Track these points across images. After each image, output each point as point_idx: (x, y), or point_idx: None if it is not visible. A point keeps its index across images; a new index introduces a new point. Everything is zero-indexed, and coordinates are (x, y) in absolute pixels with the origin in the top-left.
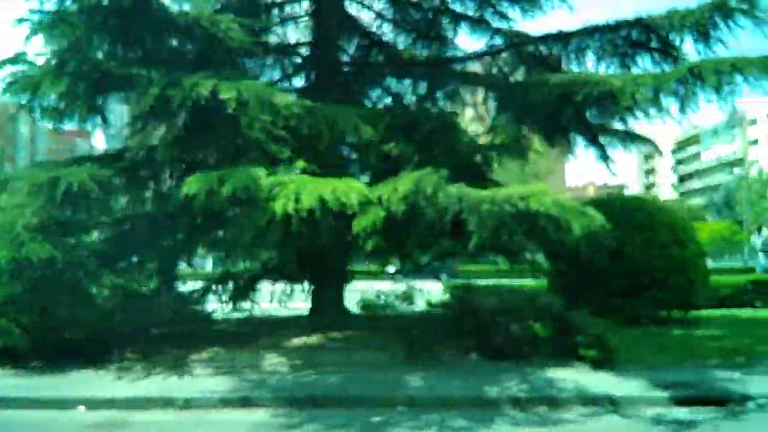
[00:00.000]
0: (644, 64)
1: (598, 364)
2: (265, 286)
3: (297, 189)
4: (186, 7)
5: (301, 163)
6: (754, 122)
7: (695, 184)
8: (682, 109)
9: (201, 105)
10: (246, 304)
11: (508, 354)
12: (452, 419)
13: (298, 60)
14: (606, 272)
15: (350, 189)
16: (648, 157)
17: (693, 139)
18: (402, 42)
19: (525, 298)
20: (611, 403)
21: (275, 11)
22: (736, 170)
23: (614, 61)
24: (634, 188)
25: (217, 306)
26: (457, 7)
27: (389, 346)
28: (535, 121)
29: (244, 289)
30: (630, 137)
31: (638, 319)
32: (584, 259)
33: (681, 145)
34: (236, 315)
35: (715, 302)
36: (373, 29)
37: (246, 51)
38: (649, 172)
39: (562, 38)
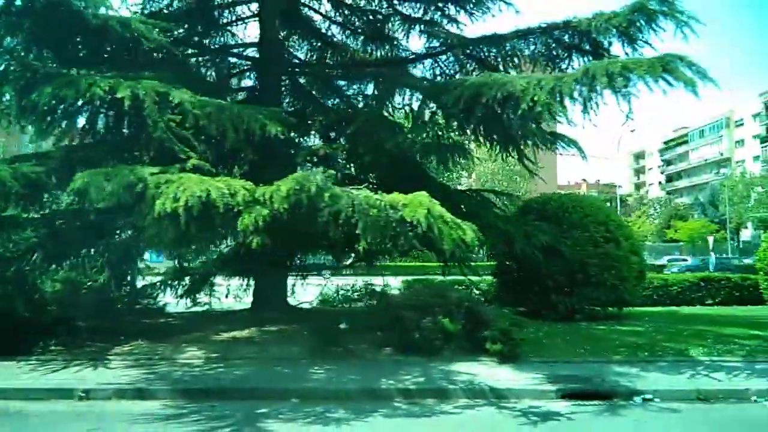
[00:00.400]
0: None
1: (504, 358)
2: (232, 281)
3: (177, 188)
4: (101, 10)
5: (193, 161)
6: (740, 123)
7: (683, 183)
8: (585, 110)
9: (105, 104)
10: (206, 299)
11: (420, 348)
12: (334, 410)
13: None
14: (544, 269)
15: (233, 187)
16: (638, 157)
17: (681, 139)
18: (353, 44)
19: (439, 294)
20: (496, 396)
21: (226, 13)
22: (723, 170)
23: (550, 64)
24: (625, 186)
25: (175, 301)
26: (405, 10)
27: (311, 340)
28: (452, 121)
29: (198, 284)
30: (552, 138)
31: (573, 314)
32: (524, 256)
33: (669, 145)
34: (195, 309)
35: (667, 299)
36: (323, 31)
37: (167, 52)
38: (639, 171)
39: (496, 41)
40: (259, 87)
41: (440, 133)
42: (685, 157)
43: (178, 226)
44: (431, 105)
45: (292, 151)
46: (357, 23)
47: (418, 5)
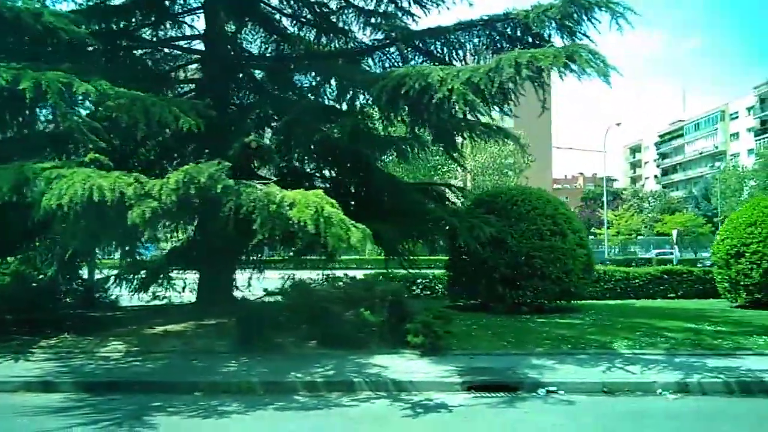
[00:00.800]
0: None
1: (426, 351)
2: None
3: (64, 184)
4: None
5: (91, 155)
6: (735, 116)
7: (678, 176)
8: (505, 100)
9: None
10: (166, 293)
11: (343, 341)
12: (228, 404)
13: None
14: (491, 262)
15: (122, 182)
16: (635, 150)
17: (676, 132)
18: (307, 36)
19: (365, 287)
20: (399, 389)
21: (176, 6)
22: (718, 164)
23: (495, 56)
24: (622, 180)
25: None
26: (358, 2)
27: (242, 333)
28: (381, 112)
29: (151, 278)
30: (486, 130)
31: (520, 307)
32: (471, 249)
33: (664, 138)
34: (154, 303)
35: (631, 293)
36: (275, 23)
37: (95, 44)
38: (636, 164)
39: (440, 33)
40: (206, 80)
41: (371, 124)
42: (681, 150)
43: (70, 222)
44: (366, 96)
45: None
46: (308, 15)
47: None
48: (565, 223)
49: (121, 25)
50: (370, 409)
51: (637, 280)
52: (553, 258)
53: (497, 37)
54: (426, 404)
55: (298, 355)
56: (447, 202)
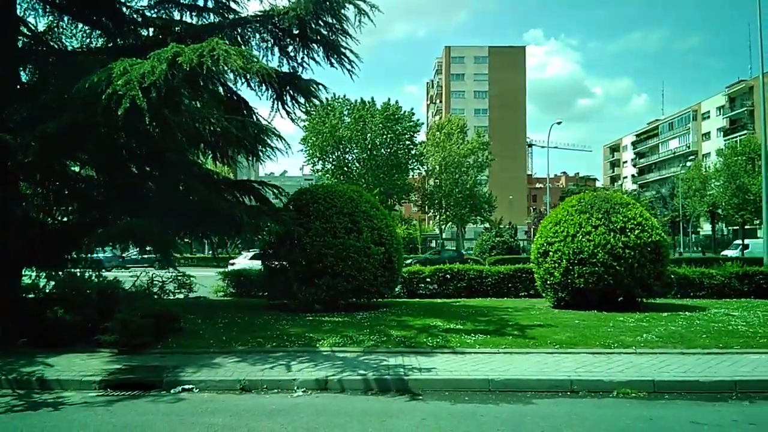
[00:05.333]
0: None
1: (123, 348)
2: None
3: None
4: None
5: None
6: (707, 116)
7: (653, 176)
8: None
9: None
10: None
11: (49, 341)
12: None
13: None
14: (288, 260)
15: None
16: (614, 149)
17: (652, 132)
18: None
19: (74, 286)
20: (43, 387)
21: None
22: (690, 163)
23: (282, 52)
24: (602, 179)
25: None
26: None
27: None
28: None
29: None
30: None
31: (313, 304)
32: (262, 246)
33: (641, 138)
34: None
35: (489, 290)
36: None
37: None
38: (614, 163)
39: (218, 28)
40: None
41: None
42: (656, 150)
43: None
44: None
45: None
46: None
47: None
48: (364, 221)
49: None
50: None
51: (489, 279)
52: (345, 256)
53: (279, 33)
54: (45, 402)
55: None
56: (268, 202)
